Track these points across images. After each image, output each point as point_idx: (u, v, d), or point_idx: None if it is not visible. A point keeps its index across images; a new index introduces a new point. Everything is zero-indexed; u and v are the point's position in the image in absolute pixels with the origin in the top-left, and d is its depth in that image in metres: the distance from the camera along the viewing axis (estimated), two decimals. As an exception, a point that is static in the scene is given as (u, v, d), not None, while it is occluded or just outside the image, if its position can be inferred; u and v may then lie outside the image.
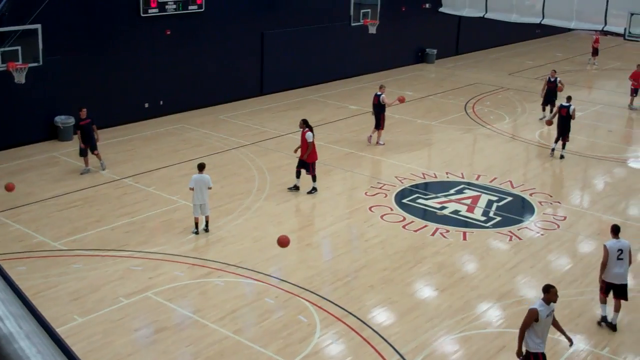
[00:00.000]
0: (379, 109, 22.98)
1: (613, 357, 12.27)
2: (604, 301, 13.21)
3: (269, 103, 28.01)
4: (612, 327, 13.03)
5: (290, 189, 18.97)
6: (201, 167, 16.38)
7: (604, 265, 12.97)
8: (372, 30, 29.07)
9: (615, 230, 13.21)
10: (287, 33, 29.22)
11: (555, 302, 10.82)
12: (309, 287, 14.19)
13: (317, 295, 13.91)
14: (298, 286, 14.23)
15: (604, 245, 13.14)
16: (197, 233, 16.37)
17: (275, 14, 28.80)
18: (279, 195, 18.92)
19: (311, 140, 18.61)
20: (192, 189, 16.17)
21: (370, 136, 23.32)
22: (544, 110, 26.19)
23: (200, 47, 26.32)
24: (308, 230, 16.91)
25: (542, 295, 10.85)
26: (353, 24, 28.57)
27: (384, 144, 23.26)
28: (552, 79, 25.83)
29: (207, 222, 16.55)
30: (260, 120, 25.64)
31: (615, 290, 12.99)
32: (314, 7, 30.13)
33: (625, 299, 13.03)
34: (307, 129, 18.74)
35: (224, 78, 27.37)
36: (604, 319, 13.17)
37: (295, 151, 19.16)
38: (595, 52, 37.75)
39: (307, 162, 18.78)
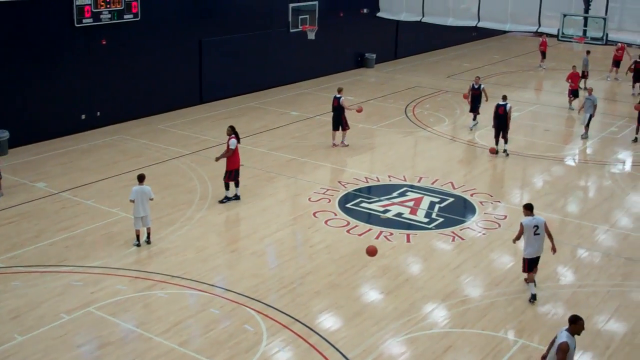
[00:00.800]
0: (339, 111, 23.33)
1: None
2: (532, 279, 14.10)
3: (209, 111, 27.77)
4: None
5: (222, 201, 18.72)
6: (141, 179, 16.12)
7: (516, 240, 14.22)
8: (311, 36, 29.09)
9: (529, 208, 14.13)
10: (226, 40, 29.04)
11: (580, 334, 10.24)
12: (254, 296, 14.08)
13: (263, 303, 13.81)
14: (243, 295, 14.10)
15: (521, 222, 14.03)
16: (138, 245, 16.09)
17: (213, 22, 28.60)
18: (221, 205, 18.72)
19: (233, 148, 18.38)
20: (132, 201, 15.90)
21: (334, 141, 23.72)
22: (474, 118, 26.15)
23: (137, 56, 25.96)
24: (252, 239, 16.78)
25: (566, 326, 10.26)
26: (292, 30, 28.52)
27: (348, 145, 23.62)
28: (475, 86, 25.99)
29: (148, 234, 16.29)
30: (200, 128, 25.40)
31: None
32: (252, 14, 30.03)
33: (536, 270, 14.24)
34: (233, 135, 18.56)
35: (162, 87, 27.05)
36: (534, 296, 14.04)
37: (217, 159, 18.92)
38: (543, 55, 38.19)
39: (229, 170, 18.58)
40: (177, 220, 17.60)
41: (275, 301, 13.93)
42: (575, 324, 10.10)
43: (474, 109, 25.98)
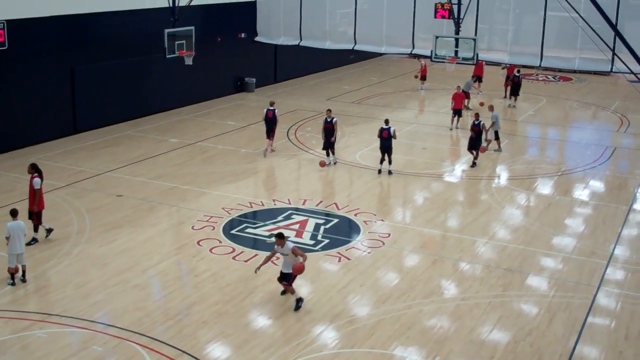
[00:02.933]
0: (272, 122, 25.50)
1: (444, 366, 12.67)
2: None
3: (84, 141, 26.84)
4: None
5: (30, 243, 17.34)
6: (14, 214, 15.41)
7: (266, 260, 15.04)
8: (189, 61, 28.73)
9: (281, 237, 14.60)
10: (100, 68, 28.26)
11: None
12: (139, 330, 13.62)
13: (148, 337, 13.37)
14: (127, 330, 13.61)
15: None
16: (13, 284, 15.28)
17: (86, 49, 27.78)
18: (101, 236, 18.09)
19: (38, 187, 17.37)
20: (7, 237, 15.12)
21: (266, 149, 25.47)
22: (327, 154, 24.44)
23: (5, 86, 24.84)
24: (134, 271, 16.25)
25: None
26: (168, 56, 28.07)
27: (274, 151, 25.59)
28: (328, 120, 24.34)
29: (24, 271, 15.50)
30: (75, 159, 24.50)
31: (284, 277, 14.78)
32: (127, 40, 29.36)
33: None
34: (35, 174, 17.57)
35: (34, 118, 25.96)
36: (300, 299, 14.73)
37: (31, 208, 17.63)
38: (423, 78, 38.88)
39: (36, 211, 17.43)
40: (54, 255, 16.84)
41: (161, 334, 13.51)
42: None
43: (328, 145, 24.22)
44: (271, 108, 25.74)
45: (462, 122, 30.12)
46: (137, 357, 12.70)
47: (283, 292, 15.07)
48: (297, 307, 14.51)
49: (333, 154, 24.52)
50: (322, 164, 23.75)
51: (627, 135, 29.98)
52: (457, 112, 29.94)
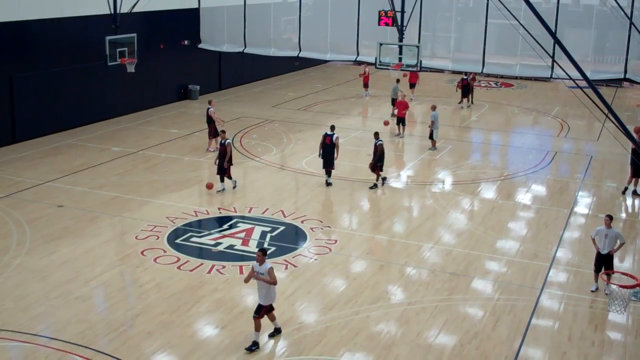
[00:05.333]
0: (210, 121, 26.32)
1: (391, 371, 12.68)
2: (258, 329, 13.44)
3: (23, 151, 26.19)
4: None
5: None
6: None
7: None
8: (131, 69, 28.35)
9: (264, 252, 13.42)
10: (39, 76, 27.65)
11: None
12: (82, 342, 13.32)
13: (92, 349, 13.09)
14: (70, 342, 13.31)
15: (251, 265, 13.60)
16: (-52, 299, 14.78)
17: (25, 57, 27.16)
18: (41, 248, 17.65)
19: None
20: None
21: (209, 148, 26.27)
22: (222, 180, 22.32)
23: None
24: (76, 283, 15.87)
25: None
26: (110, 64, 27.65)
27: (213, 150, 25.66)
28: (223, 142, 22.33)
29: (-41, 285, 15.01)
30: (14, 169, 23.88)
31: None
32: (67, 47, 28.81)
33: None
34: None
35: (-29, 127, 25.27)
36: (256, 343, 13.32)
37: None
38: (365, 85, 39.10)
39: None
40: (-8, 268, 16.37)
41: (104, 346, 13.23)
42: None
43: (223, 172, 22.14)
44: (209, 107, 26.80)
45: (389, 128, 30.39)
46: (79, 370, 12.42)
47: (272, 334, 13.74)
48: (272, 335, 13.67)
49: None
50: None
51: (568, 140, 30.63)
52: (400, 120, 30.06)
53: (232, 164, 22.24)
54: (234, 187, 22.41)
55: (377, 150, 22.94)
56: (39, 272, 16.38)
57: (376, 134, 23.54)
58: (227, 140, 22.30)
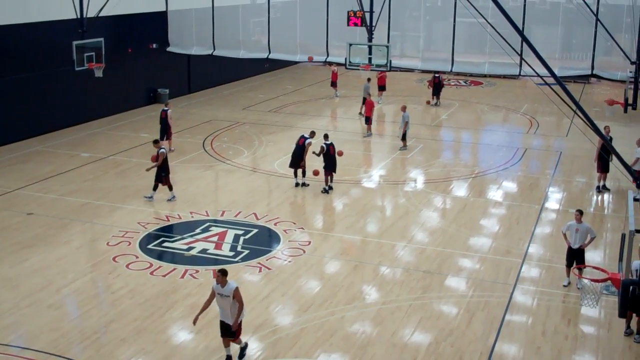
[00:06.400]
0: (165, 123, 26.70)
1: (368, 371, 12.68)
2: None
3: (-9, 158, 25.89)
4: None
5: None
6: None
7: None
8: (99, 73, 28.08)
9: (224, 274, 12.60)
10: (6, 82, 27.29)
11: None
12: (55, 351, 13.16)
13: (65, 358, 12.95)
14: (43, 352, 13.16)
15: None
16: None
17: (-9, 63, 26.82)
18: (11, 256, 17.40)
19: None
20: None
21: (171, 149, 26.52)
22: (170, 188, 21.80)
23: None
24: (48, 291, 15.67)
25: None
26: (77, 69, 27.35)
27: (174, 150, 26.46)
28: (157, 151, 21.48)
29: None
30: (-17, 177, 23.59)
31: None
32: (32, 52, 28.44)
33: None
34: None
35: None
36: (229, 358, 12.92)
37: None
38: (334, 84, 39.01)
39: None
40: (-40, 279, 16.11)
41: (78, 354, 13.10)
42: None
43: (160, 179, 21.54)
44: (165, 108, 26.95)
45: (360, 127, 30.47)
46: (52, 380, 12.26)
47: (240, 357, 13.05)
48: (242, 355, 13.02)
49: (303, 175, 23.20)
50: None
51: (537, 137, 30.91)
52: (367, 120, 30.08)
53: (169, 173, 21.57)
54: (168, 200, 21.45)
55: (325, 150, 22.44)
56: (9, 280, 16.15)
57: (325, 135, 23.19)
58: (162, 149, 21.34)
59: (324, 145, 22.49)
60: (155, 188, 21.47)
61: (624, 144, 24.60)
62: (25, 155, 26.32)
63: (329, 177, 22.56)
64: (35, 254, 17.60)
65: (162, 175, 21.42)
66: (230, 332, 12.63)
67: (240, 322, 12.72)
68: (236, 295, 12.35)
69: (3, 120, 27.35)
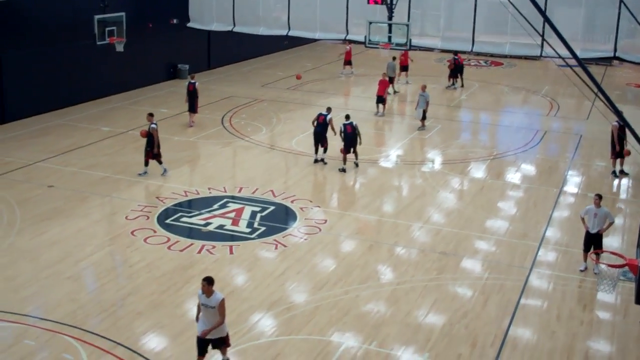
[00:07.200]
0: (193, 96, 26.98)
1: (381, 350, 12.79)
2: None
3: (12, 131, 26.05)
4: None
5: None
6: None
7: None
8: (120, 48, 28.16)
9: (209, 282, 11.48)
10: (28, 55, 27.45)
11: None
12: (72, 323, 13.35)
13: (82, 329, 13.13)
14: (60, 323, 13.34)
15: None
16: (-62, 280, 14.74)
17: (14, 36, 26.93)
18: (31, 228, 17.62)
19: None
20: None
21: (191, 121, 27.22)
22: (146, 164, 21.67)
23: None
24: (67, 263, 15.88)
25: None
26: (99, 43, 27.46)
27: (193, 124, 27.16)
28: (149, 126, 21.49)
29: (-51, 266, 14.96)
30: (4, 150, 23.76)
31: None
32: (55, 26, 28.56)
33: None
34: None
35: (-42, 107, 25.07)
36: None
37: None
38: (349, 63, 38.80)
39: None
40: (-19, 249, 16.35)
41: (95, 326, 13.28)
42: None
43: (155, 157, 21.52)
44: (192, 81, 27.03)
45: (387, 107, 30.31)
46: (70, 350, 12.45)
47: None
48: None
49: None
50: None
51: (557, 119, 30.71)
52: (379, 99, 29.91)
53: (159, 149, 21.45)
54: (162, 174, 21.49)
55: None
56: (29, 252, 16.38)
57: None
58: (153, 125, 21.22)
59: (342, 125, 22.48)
60: (146, 164, 21.48)
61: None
62: (46, 129, 26.53)
63: (346, 156, 22.53)
64: (55, 226, 17.80)
65: (147, 150, 21.33)
66: (220, 342, 11.67)
67: (228, 334, 11.76)
68: (220, 308, 11.29)
69: (24, 93, 27.53)
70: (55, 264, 15.87)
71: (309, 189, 21.43)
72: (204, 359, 11.69)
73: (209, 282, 11.28)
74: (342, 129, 22.49)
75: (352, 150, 22.61)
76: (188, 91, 27.10)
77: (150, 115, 21.67)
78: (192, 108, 27.15)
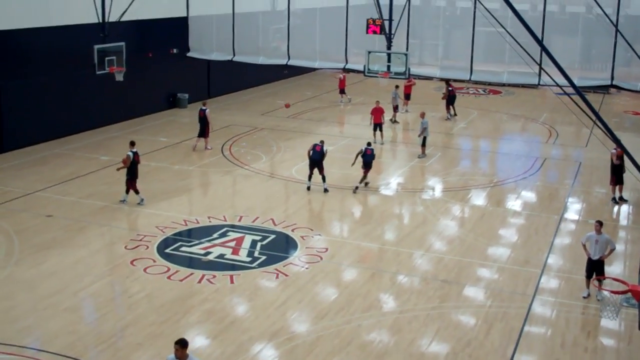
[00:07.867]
0: (204, 122, 27.57)
1: (384, 380, 12.60)
2: None
3: (11, 160, 26.01)
4: None
5: None
6: None
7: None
8: (119, 77, 28.25)
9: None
10: (28, 84, 27.50)
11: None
12: (71, 354, 13.18)
13: (81, 361, 12.95)
14: (59, 354, 13.17)
15: None
16: None
17: (13, 65, 27.00)
18: (30, 258, 17.49)
19: None
20: None
21: (195, 145, 27.71)
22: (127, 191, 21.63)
23: None
24: (65, 293, 15.72)
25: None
26: (98, 72, 27.56)
27: (211, 149, 27.74)
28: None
29: (-54, 297, 14.81)
30: (2, 179, 23.70)
31: None
32: (55, 55, 28.62)
33: None
34: None
35: (-43, 137, 25.06)
36: None
37: None
38: (342, 91, 38.97)
39: None
40: (-21, 280, 16.20)
41: (94, 358, 13.13)
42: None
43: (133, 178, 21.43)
44: (203, 107, 27.79)
45: (385, 135, 30.30)
46: (69, 382, 12.29)
47: None
48: None
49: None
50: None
51: (556, 146, 30.73)
52: (377, 126, 29.97)
53: (137, 178, 21.39)
54: (138, 203, 21.36)
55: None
56: (27, 282, 16.23)
57: (368, 143, 24.18)
58: (128, 153, 21.24)
59: (363, 149, 23.59)
60: (127, 191, 21.45)
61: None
62: (45, 158, 26.49)
63: (366, 175, 23.36)
64: (53, 256, 17.67)
65: (127, 178, 21.31)
66: None
67: None
68: None
69: (23, 122, 27.54)
70: (54, 294, 15.72)
71: (310, 217, 21.35)
72: None
73: (182, 345, 10.20)
74: (363, 151, 23.40)
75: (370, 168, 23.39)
76: (199, 117, 27.75)
77: (132, 143, 21.85)
78: (202, 133, 27.73)
